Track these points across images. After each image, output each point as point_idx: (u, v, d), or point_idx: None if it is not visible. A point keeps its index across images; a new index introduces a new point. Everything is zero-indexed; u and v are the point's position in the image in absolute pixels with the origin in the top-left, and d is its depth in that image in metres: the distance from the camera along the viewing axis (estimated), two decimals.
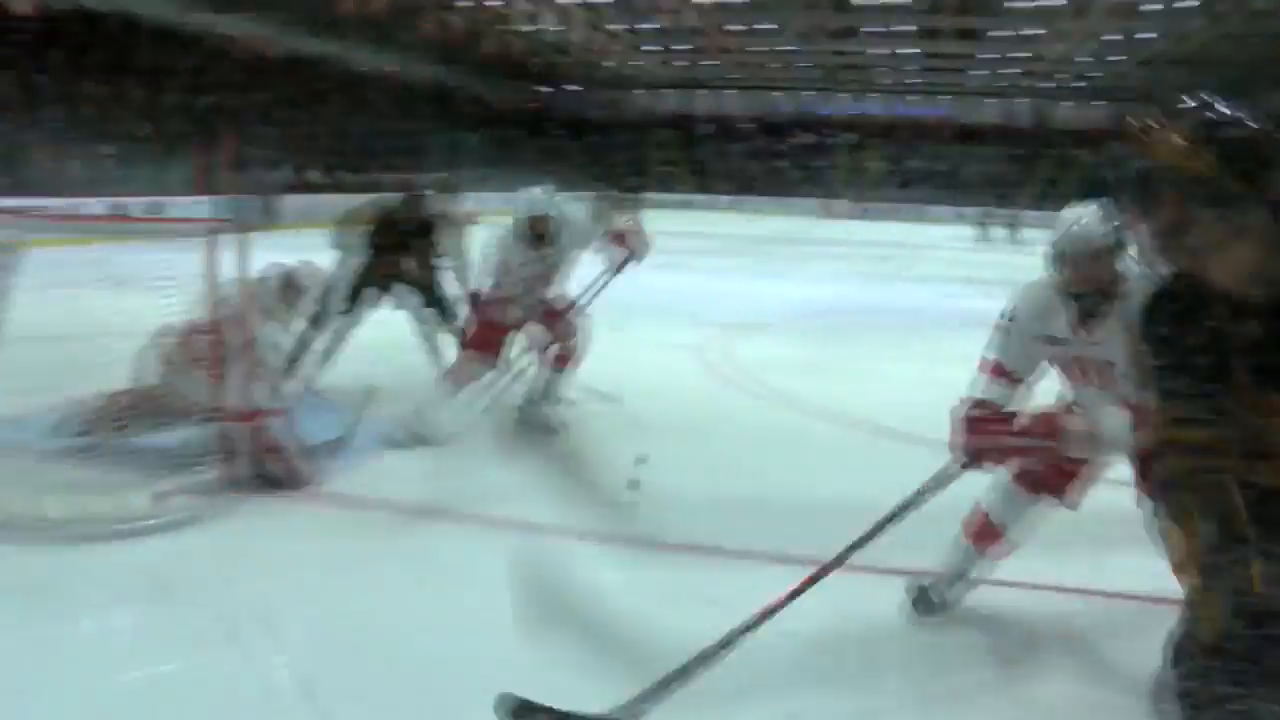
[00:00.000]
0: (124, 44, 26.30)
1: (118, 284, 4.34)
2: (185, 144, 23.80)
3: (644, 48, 44.09)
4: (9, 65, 21.84)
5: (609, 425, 5.63)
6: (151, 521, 3.77)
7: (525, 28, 34.75)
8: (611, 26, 38.02)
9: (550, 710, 2.43)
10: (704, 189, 47.14)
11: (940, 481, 2.67)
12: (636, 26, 39.22)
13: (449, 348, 6.03)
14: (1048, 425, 2.55)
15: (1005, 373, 2.92)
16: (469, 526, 3.99)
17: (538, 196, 5.16)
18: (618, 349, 7.01)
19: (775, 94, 51.65)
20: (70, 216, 4.96)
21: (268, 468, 4.23)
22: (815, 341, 9.13)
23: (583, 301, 5.40)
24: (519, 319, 5.28)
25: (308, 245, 6.02)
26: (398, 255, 6.18)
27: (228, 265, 4.05)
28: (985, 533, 3.24)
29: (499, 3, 30.81)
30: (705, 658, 2.50)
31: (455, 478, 4.60)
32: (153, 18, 28.36)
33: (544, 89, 52.95)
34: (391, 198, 6.23)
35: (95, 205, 17.58)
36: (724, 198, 45.20)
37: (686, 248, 19.63)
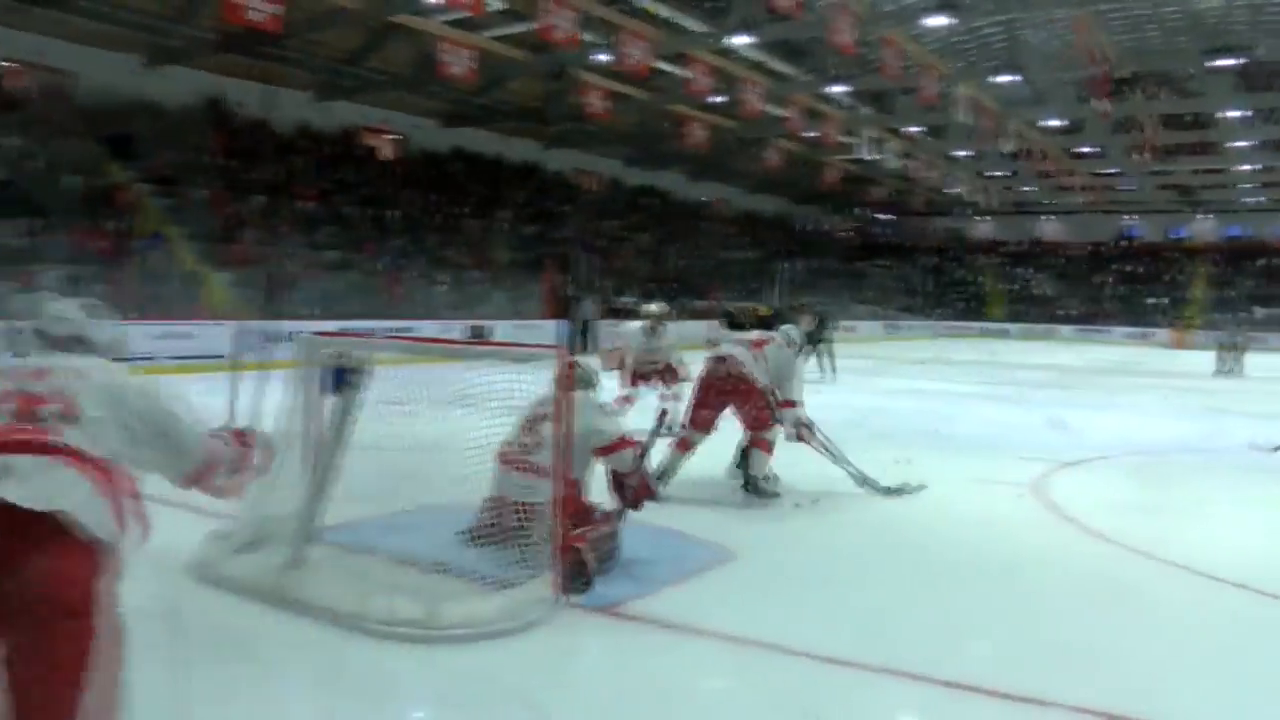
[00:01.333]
0: (460, 180, 29.44)
1: (460, 402, 4.66)
2: (529, 272, 26.26)
3: (988, 174, 43.40)
4: (371, 203, 25.10)
5: (921, 564, 5.30)
6: (481, 629, 3.94)
7: (852, 157, 35.26)
8: (947, 155, 37.85)
9: None
10: (1020, 317, 44.95)
11: None
12: (967, 153, 38.83)
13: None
14: None
15: None
16: (795, 659, 3.82)
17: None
18: (942, 483, 6.81)
19: (1102, 216, 48.64)
20: (419, 339, 5.49)
21: (595, 569, 4.50)
22: (1145, 479, 8.20)
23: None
24: None
25: None
26: None
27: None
28: None
29: (840, 133, 31.44)
30: None
31: (770, 606, 4.47)
32: (496, 154, 31.65)
33: (861, 215, 53.28)
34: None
35: (432, 328, 19.52)
36: (1038, 326, 42.81)
37: (1019, 379, 18.69)
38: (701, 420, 6.94)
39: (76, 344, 2.71)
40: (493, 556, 4.53)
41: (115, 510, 2.43)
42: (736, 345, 7.08)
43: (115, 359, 2.78)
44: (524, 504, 4.70)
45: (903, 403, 14.00)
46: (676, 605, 4.45)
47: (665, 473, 6.73)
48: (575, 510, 4.80)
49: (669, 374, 9.41)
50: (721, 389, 6.89)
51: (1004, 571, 5.30)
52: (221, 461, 2.94)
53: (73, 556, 2.24)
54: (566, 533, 4.45)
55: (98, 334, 2.77)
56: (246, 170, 22.64)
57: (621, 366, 9.48)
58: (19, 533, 2.19)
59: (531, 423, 4.92)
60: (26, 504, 2.19)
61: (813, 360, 15.59)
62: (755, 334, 7.35)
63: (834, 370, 16.38)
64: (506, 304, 24.99)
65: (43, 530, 2.21)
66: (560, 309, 24.97)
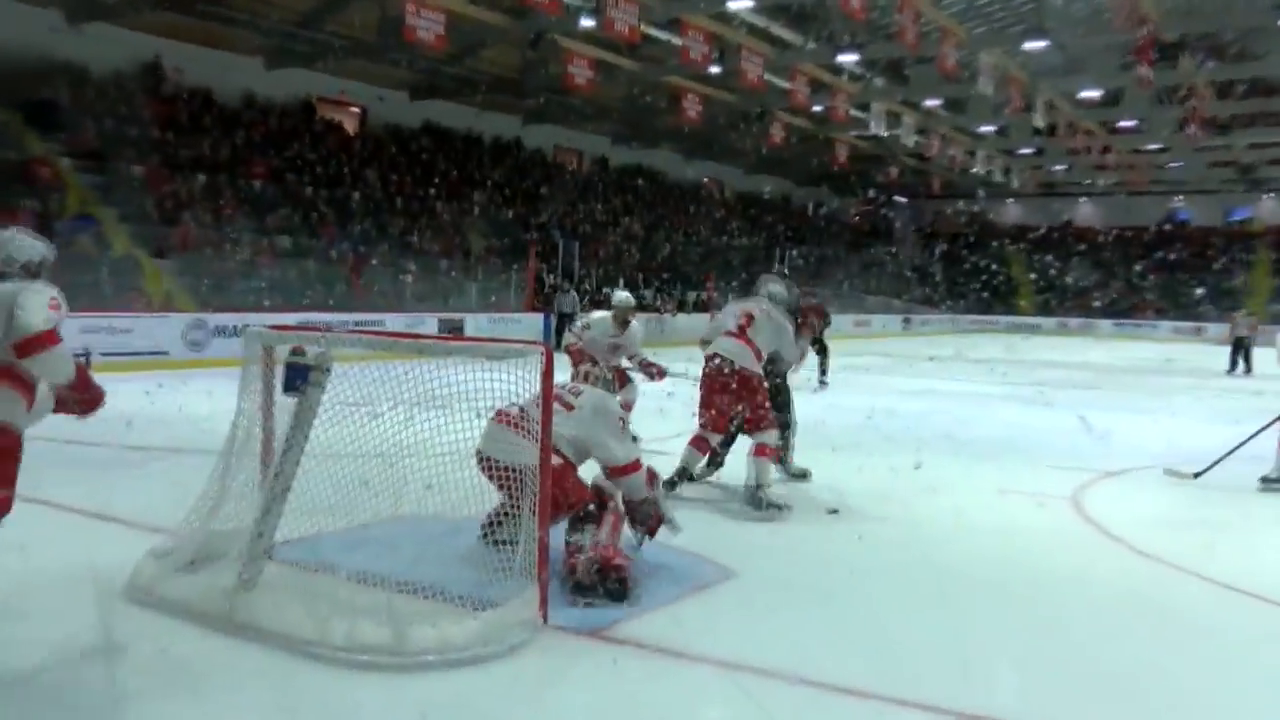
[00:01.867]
0: (429, 158, 29.41)
1: (430, 404, 4.67)
2: (505, 260, 26.25)
3: (1014, 151, 43.44)
4: (329, 183, 25.03)
5: (938, 581, 5.33)
6: (455, 654, 3.96)
7: (863, 133, 35.28)
8: (966, 131, 37.97)
9: None
10: (1050, 309, 45.13)
11: None
12: (991, 129, 38.92)
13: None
14: None
15: None
16: (799, 687, 3.84)
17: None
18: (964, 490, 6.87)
19: (1144, 198, 48.73)
20: (384, 333, 5.52)
21: (605, 582, 4.65)
22: (1186, 492, 8.25)
23: None
24: None
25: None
26: None
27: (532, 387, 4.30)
28: None
29: (850, 108, 31.36)
30: None
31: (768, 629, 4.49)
32: (458, 133, 31.60)
33: (872, 198, 53.44)
34: None
35: (399, 322, 19.53)
36: (1073, 320, 42.96)
37: (1046, 379, 18.76)
38: (710, 419, 7.15)
39: None
40: (471, 573, 4.54)
41: None
42: (725, 339, 7.21)
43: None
44: (508, 466, 4.72)
45: (916, 404, 14.08)
46: (670, 627, 4.47)
47: (683, 470, 7.17)
48: (573, 495, 4.96)
49: (621, 380, 9.15)
50: (725, 386, 7.05)
51: (1029, 591, 5.33)
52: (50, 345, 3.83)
53: None
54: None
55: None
56: (187, 145, 22.53)
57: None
58: None
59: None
60: None
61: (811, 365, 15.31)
62: (737, 309, 7.41)
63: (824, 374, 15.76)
64: (480, 296, 25.00)
65: None
66: (540, 301, 25.01)
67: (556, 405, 4.90)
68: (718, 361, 7.09)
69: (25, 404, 3.88)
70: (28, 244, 4.16)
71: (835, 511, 6.84)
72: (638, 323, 9.64)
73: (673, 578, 5.18)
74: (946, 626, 4.67)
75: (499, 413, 5.02)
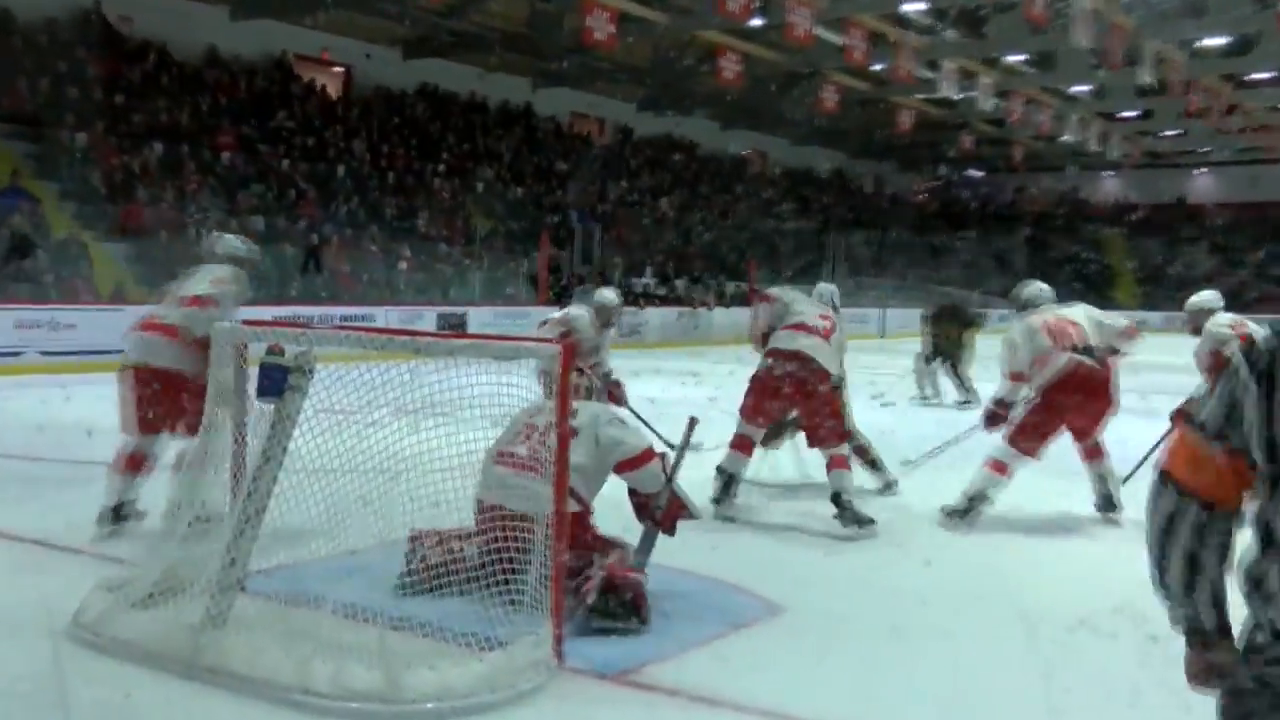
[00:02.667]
0: (427, 127, 29.51)
1: (429, 411, 4.71)
2: (516, 246, 26.29)
3: (1115, 115, 42.93)
4: (309, 155, 25.14)
5: (1024, 619, 5.31)
6: (457, 701, 3.98)
7: (931, 96, 35.06)
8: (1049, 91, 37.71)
9: None
10: (1155, 303, 44.75)
11: None
12: (1086, 88, 38.54)
13: None
14: None
15: None
16: None
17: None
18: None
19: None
20: (376, 330, 5.54)
21: (617, 600, 4.74)
22: None
23: None
24: None
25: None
26: None
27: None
28: None
29: (916, 66, 31.04)
30: None
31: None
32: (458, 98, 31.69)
33: (942, 173, 53.25)
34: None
35: (393, 316, 19.62)
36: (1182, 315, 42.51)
37: (1150, 384, 18.59)
38: (754, 411, 7.44)
39: None
40: (475, 608, 4.57)
41: None
42: (807, 336, 7.35)
43: None
44: (525, 517, 4.77)
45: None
46: (707, 670, 4.47)
47: (730, 479, 7.38)
48: (588, 541, 5.05)
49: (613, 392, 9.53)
50: (793, 390, 7.28)
51: (1136, 631, 5.29)
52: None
53: None
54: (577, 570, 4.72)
55: None
56: (140, 109, 22.73)
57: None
58: None
59: (544, 433, 5.05)
60: None
61: (936, 372, 15.18)
62: (813, 309, 7.67)
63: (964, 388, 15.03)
64: (486, 287, 25.10)
65: None
66: (556, 293, 25.07)
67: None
68: (793, 365, 7.25)
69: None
70: None
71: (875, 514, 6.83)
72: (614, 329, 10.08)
73: (708, 613, 5.20)
74: (1032, 668, 4.66)
75: (500, 454, 5.12)
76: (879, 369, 16.93)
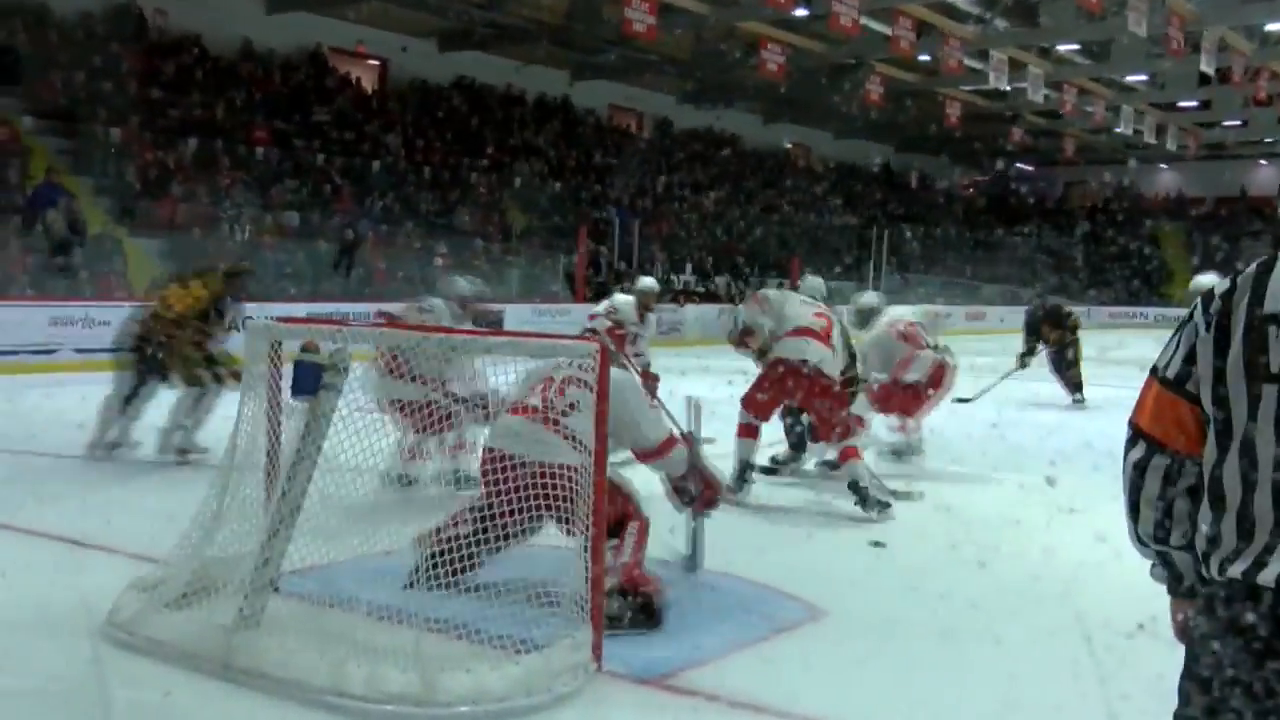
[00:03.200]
0: (463, 120, 29.60)
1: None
2: (554, 242, 26.33)
3: (1174, 105, 42.47)
4: (344, 150, 25.26)
5: (1060, 616, 5.25)
6: (492, 705, 3.98)
7: (981, 87, 34.79)
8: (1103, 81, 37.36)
9: None
10: None
11: None
12: (1143, 78, 38.16)
13: None
14: None
15: None
16: None
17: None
18: None
19: None
20: (412, 327, 5.60)
21: (629, 604, 4.79)
22: None
23: None
24: None
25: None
26: None
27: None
28: None
29: (965, 57, 30.82)
30: None
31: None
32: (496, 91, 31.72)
33: (992, 167, 52.90)
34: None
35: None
36: None
37: None
38: (756, 405, 7.85)
39: None
40: (512, 609, 4.57)
41: None
42: (810, 342, 7.71)
43: None
44: (545, 464, 4.77)
45: (1050, 411, 14.09)
46: (748, 676, 4.46)
47: (744, 465, 7.73)
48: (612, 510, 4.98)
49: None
50: (793, 384, 7.66)
51: None
52: None
53: None
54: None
55: None
56: (173, 103, 22.95)
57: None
58: None
59: (562, 384, 5.13)
60: None
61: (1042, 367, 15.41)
62: (810, 313, 7.99)
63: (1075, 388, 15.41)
64: (523, 283, 25.16)
65: None
66: (595, 290, 25.09)
67: (576, 389, 5.04)
68: (801, 374, 7.63)
69: None
70: None
71: (880, 545, 6.80)
72: (654, 315, 10.76)
73: (748, 617, 5.19)
74: (1088, 675, 4.60)
75: (514, 406, 5.14)
76: None
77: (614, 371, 5.40)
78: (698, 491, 5.36)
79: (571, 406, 5.05)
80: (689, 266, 29.80)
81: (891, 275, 35.61)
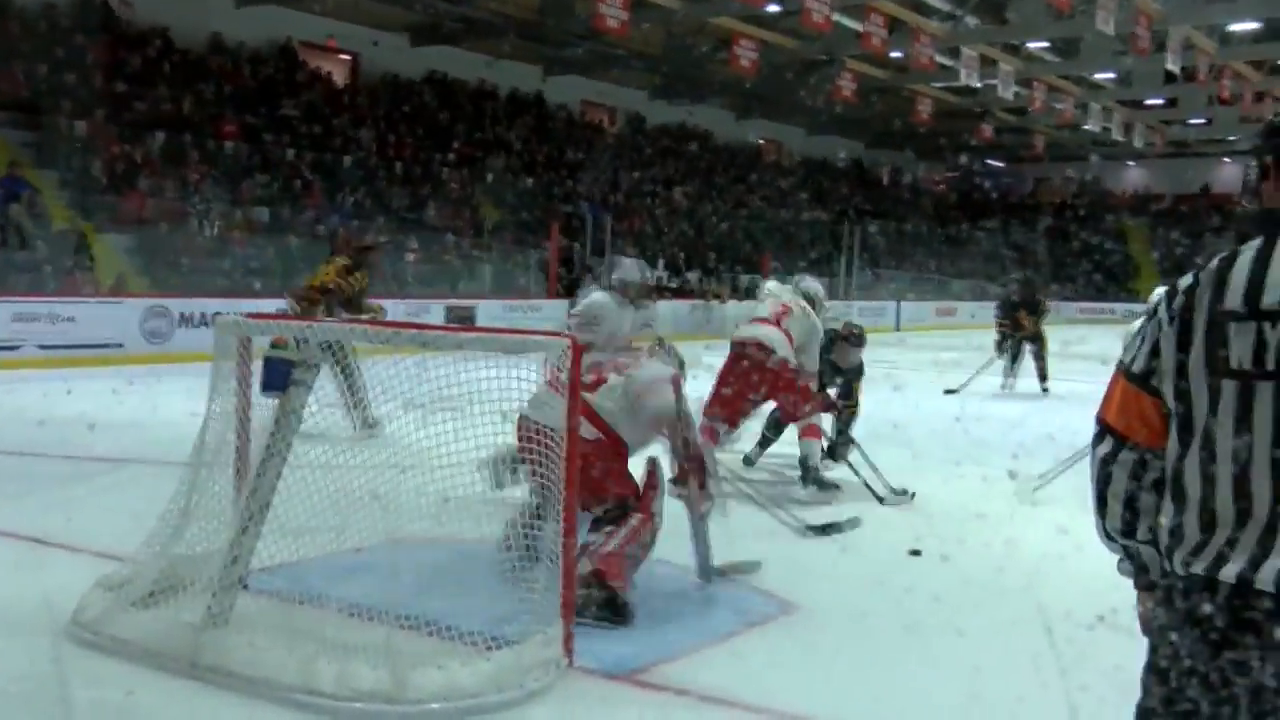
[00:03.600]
0: (435, 115, 29.52)
1: (438, 406, 4.73)
2: (526, 238, 26.29)
3: (1140, 103, 42.72)
4: (315, 144, 25.15)
5: (1023, 609, 5.29)
6: (463, 702, 3.98)
7: (951, 84, 34.95)
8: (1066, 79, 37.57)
9: None
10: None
11: None
12: (1110, 76, 38.40)
13: None
14: None
15: None
16: None
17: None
18: None
19: None
20: (383, 323, 5.57)
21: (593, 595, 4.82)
22: None
23: None
24: None
25: None
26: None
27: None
28: None
29: (936, 54, 30.92)
30: None
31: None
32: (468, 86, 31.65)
33: (961, 162, 53.10)
34: None
35: (400, 309, 19.64)
36: None
37: None
38: (721, 407, 8.01)
39: None
40: (483, 605, 4.57)
41: None
42: (757, 326, 8.03)
43: None
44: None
45: (1014, 405, 14.13)
46: (720, 671, 4.49)
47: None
48: (616, 484, 5.21)
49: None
50: (747, 374, 7.85)
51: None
52: None
53: None
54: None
55: None
56: (140, 96, 22.74)
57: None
58: None
59: (599, 367, 5.40)
60: None
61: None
62: (770, 306, 8.26)
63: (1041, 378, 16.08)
64: (495, 279, 25.10)
65: None
66: (566, 286, 25.09)
67: (609, 371, 5.34)
68: (747, 350, 7.89)
69: None
70: None
71: (918, 553, 6.80)
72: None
73: (721, 611, 5.22)
74: (1049, 666, 4.63)
75: (552, 381, 5.17)
76: (896, 364, 16.94)
77: (656, 364, 5.59)
78: (689, 454, 5.47)
79: (597, 381, 5.31)
80: (661, 262, 29.80)
81: (862, 271, 35.75)
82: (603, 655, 4.52)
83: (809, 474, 8.01)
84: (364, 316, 10.03)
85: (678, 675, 4.41)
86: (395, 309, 19.32)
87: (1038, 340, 16.00)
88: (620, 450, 5.31)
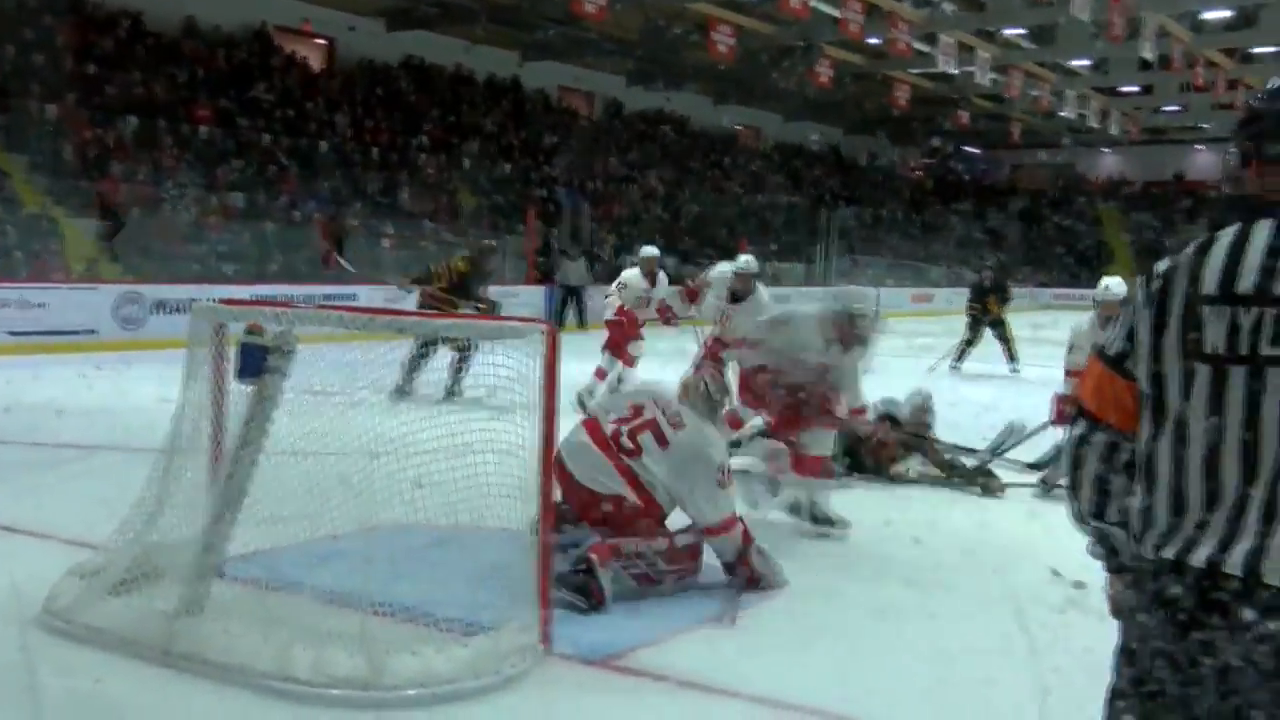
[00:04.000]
0: (411, 101, 29.38)
1: (402, 392, 4.71)
2: (503, 224, 26.23)
3: (1115, 90, 42.85)
4: (290, 129, 25.00)
5: (993, 591, 5.31)
6: (440, 688, 3.99)
7: (928, 70, 35.00)
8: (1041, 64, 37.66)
9: None
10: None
11: None
12: (1086, 63, 38.51)
13: None
14: None
15: None
16: None
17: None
18: None
19: None
20: (358, 309, 5.55)
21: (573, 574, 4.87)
22: None
23: None
24: None
25: None
26: None
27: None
28: None
29: (913, 40, 30.95)
30: None
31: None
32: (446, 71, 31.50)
33: (937, 148, 53.18)
34: None
35: (377, 295, 19.57)
36: None
37: None
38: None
39: None
40: (460, 592, 4.57)
41: None
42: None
43: None
44: (594, 494, 5.17)
45: (984, 390, 14.24)
46: (697, 656, 4.51)
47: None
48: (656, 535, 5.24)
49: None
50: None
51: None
52: None
53: None
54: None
55: None
56: (112, 80, 22.52)
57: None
58: None
59: (642, 426, 5.38)
60: None
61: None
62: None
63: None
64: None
65: None
66: (542, 270, 25.05)
67: (650, 439, 5.30)
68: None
69: None
70: None
71: (1082, 585, 6.58)
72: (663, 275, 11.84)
73: (697, 597, 5.23)
74: (1020, 649, 4.68)
75: (587, 423, 5.46)
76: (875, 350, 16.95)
77: (699, 435, 5.41)
78: (743, 580, 5.32)
79: (637, 450, 5.28)
80: (639, 248, 29.73)
81: (841, 257, 35.81)
82: (579, 641, 4.53)
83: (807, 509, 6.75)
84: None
85: (654, 660, 4.43)
86: (372, 294, 19.29)
87: (1000, 325, 16.55)
88: (657, 507, 5.35)
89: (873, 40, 32.30)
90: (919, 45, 32.03)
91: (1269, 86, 2.28)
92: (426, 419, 4.95)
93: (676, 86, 37.94)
